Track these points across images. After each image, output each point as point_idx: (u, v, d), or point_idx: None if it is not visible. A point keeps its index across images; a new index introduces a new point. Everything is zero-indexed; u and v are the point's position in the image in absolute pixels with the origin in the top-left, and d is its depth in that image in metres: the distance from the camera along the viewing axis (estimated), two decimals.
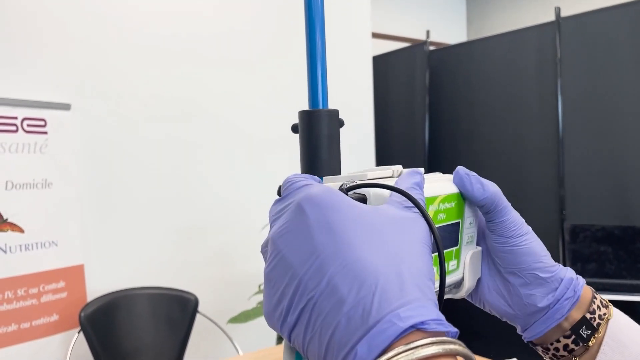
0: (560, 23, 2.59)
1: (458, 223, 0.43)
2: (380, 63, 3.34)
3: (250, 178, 2.53)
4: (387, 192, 0.36)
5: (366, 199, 0.37)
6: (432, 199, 0.40)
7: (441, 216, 0.41)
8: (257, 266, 2.55)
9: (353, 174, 0.40)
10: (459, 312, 1.53)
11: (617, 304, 1.75)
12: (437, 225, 0.39)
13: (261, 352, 1.49)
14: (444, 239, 0.41)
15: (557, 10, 2.61)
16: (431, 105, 3.08)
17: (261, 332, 2.39)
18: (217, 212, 2.46)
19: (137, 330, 2.07)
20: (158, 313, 2.13)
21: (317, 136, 0.49)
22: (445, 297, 0.41)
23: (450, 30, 4.75)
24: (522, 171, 2.68)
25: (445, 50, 3.23)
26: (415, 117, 3.17)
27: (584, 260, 2.19)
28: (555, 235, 2.39)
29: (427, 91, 3.07)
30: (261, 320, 2.09)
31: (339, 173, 0.50)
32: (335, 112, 0.50)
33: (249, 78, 2.56)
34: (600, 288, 2.01)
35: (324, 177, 0.47)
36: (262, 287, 2.14)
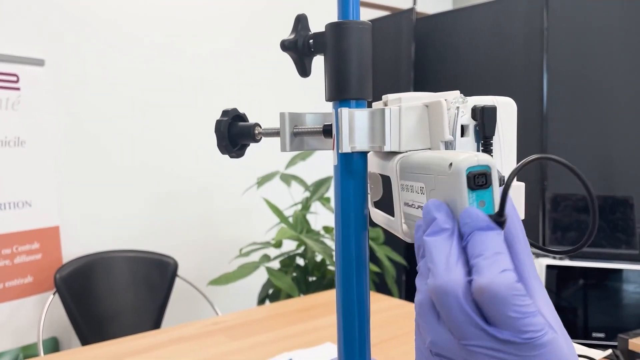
0: None
1: None
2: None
3: None
4: None
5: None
6: None
7: None
8: (238, 231, 2.52)
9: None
10: None
11: (595, 272, 1.76)
12: None
13: (241, 312, 1.47)
14: None
15: None
16: (416, 78, 3.04)
17: (241, 295, 2.37)
18: (198, 176, 2.41)
19: (114, 294, 2.03)
20: (136, 276, 2.09)
21: (347, 52, 0.44)
22: None
23: (435, 1, 4.69)
24: None
25: (431, 19, 3.18)
26: (400, 89, 3.13)
27: (564, 229, 2.20)
28: (536, 205, 2.41)
29: (412, 63, 3.03)
30: (242, 283, 2.07)
31: (371, 96, 0.46)
32: (367, 27, 0.45)
33: (232, 42, 2.49)
34: (579, 256, 2.03)
35: (402, 96, 0.43)
36: (243, 250, 2.12)
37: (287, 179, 2.14)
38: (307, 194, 2.22)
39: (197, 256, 2.39)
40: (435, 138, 0.42)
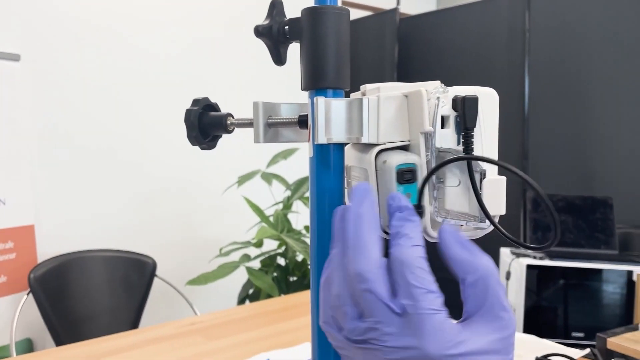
0: None
1: None
2: (352, 30, 3.27)
3: None
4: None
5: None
6: None
7: None
8: (218, 230, 2.49)
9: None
10: None
11: (575, 272, 1.76)
12: None
13: (219, 312, 1.44)
14: None
15: None
16: (399, 78, 3.04)
17: (222, 295, 2.34)
18: (178, 175, 2.38)
19: (91, 294, 1.99)
20: (114, 276, 2.05)
21: (323, 38, 0.42)
22: None
23: (420, 2, 4.70)
24: None
25: (414, 19, 3.18)
26: None
27: (545, 229, 2.21)
28: (517, 205, 2.42)
29: (396, 63, 3.03)
30: (222, 283, 2.04)
31: (348, 85, 0.44)
32: (345, 12, 0.43)
33: (207, 33, 2.46)
34: (559, 255, 2.04)
35: (381, 86, 0.42)
36: (223, 250, 2.09)
37: (268, 177, 2.12)
38: (288, 193, 2.20)
39: (176, 256, 2.36)
40: (415, 129, 0.40)
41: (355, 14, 3.79)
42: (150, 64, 2.28)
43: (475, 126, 0.39)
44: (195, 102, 0.47)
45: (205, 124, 0.47)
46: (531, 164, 2.50)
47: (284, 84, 2.52)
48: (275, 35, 0.45)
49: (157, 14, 2.29)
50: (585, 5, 2.43)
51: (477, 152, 0.40)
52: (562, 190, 2.29)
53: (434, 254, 0.37)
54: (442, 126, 0.40)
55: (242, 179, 2.13)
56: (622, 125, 2.35)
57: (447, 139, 0.40)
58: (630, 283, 1.95)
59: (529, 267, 2.02)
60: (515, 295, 2.07)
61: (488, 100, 0.41)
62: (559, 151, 2.50)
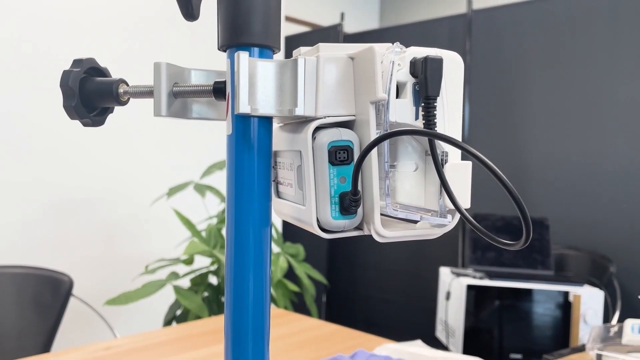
0: (471, 15, 2.62)
1: None
2: (293, 44, 3.22)
3: (137, 146, 2.29)
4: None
5: None
6: None
7: None
8: (144, 246, 2.32)
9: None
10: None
11: (512, 292, 1.73)
12: None
13: (140, 335, 1.29)
14: None
15: (469, 3, 2.64)
16: None
17: (145, 316, 2.17)
18: (99, 183, 2.19)
19: None
20: (23, 295, 1.84)
21: None
22: None
23: (363, 21, 4.74)
24: None
25: (358, 36, 3.17)
26: None
27: (484, 249, 2.20)
28: (456, 225, 2.40)
29: None
30: (145, 303, 1.88)
31: (279, 45, 0.34)
32: None
33: (137, 34, 2.32)
34: (498, 275, 2.02)
35: (320, 45, 0.33)
36: (149, 267, 1.93)
37: (201, 189, 1.99)
38: (224, 206, 2.07)
39: (96, 273, 2.17)
40: (363, 99, 0.31)
41: (296, 29, 3.75)
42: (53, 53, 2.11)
43: (438, 95, 0.30)
44: (77, 62, 0.35)
45: (90, 92, 0.36)
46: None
47: (197, 49, 2.21)
48: None
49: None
50: (521, 25, 2.49)
51: (439, 126, 0.31)
52: (500, 211, 2.29)
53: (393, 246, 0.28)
54: (397, 95, 0.31)
55: (173, 190, 1.99)
56: (555, 149, 2.39)
57: (404, 111, 0.31)
58: (566, 304, 1.95)
59: (469, 287, 1.99)
60: (454, 315, 2.02)
61: (452, 66, 0.33)
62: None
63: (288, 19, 3.74)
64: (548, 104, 2.41)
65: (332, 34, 3.06)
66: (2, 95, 1.94)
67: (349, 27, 3.46)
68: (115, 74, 0.37)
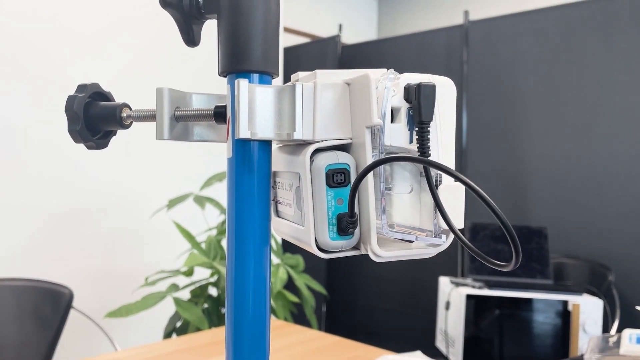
0: (468, 26, 2.64)
1: None
2: (292, 55, 3.24)
3: (137, 158, 2.30)
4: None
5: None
6: None
7: None
8: (144, 258, 2.33)
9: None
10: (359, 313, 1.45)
11: (512, 301, 1.74)
12: None
13: (141, 347, 1.30)
14: None
15: (466, 14, 2.66)
16: None
17: (146, 328, 2.17)
18: (100, 195, 2.20)
19: None
20: (23, 308, 1.84)
21: (249, 11, 0.34)
22: None
23: (361, 32, 4.77)
24: None
25: (356, 47, 3.19)
26: None
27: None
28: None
29: None
30: (146, 315, 1.88)
31: (278, 71, 0.36)
32: None
33: (127, 45, 2.34)
34: (497, 285, 2.02)
35: (318, 71, 0.35)
36: (149, 279, 1.93)
37: (201, 201, 1.99)
38: (223, 217, 2.08)
39: (96, 285, 2.17)
40: (359, 123, 0.33)
41: (295, 40, 3.77)
42: (60, 68, 2.13)
43: (431, 120, 0.32)
44: (81, 88, 0.37)
45: (94, 116, 0.37)
46: (468, 193, 2.51)
47: (197, 73, 2.26)
48: (186, 8, 0.36)
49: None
50: (518, 35, 2.51)
51: (432, 150, 0.33)
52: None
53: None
54: (392, 120, 0.32)
55: (173, 202, 2.00)
56: (553, 158, 2.40)
57: (398, 135, 0.32)
58: (565, 313, 1.96)
59: (468, 297, 1.99)
60: (454, 325, 2.03)
61: (445, 91, 0.34)
62: (496, 182, 2.53)
63: (287, 30, 3.76)
64: (545, 113, 2.43)
65: (331, 44, 3.09)
66: (1, 107, 1.95)
67: (347, 38, 3.49)
68: (120, 94, 0.39)
